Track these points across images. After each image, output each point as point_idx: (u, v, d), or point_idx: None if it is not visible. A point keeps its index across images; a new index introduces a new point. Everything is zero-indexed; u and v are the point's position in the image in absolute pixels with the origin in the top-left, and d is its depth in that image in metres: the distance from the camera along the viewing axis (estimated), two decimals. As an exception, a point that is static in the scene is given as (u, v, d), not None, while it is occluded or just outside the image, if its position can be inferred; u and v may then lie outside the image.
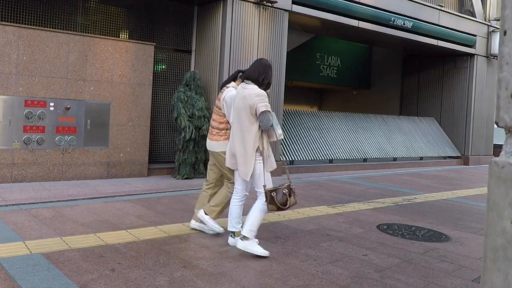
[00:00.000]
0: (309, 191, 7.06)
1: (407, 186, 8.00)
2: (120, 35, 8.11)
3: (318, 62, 13.77)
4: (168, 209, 5.35)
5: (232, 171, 4.10)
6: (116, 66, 7.35)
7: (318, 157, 10.17)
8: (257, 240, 3.80)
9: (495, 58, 12.86)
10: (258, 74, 3.90)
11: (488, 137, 13.50)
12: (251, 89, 3.80)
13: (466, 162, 12.92)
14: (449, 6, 12.89)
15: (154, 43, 7.82)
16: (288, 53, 9.07)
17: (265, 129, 3.77)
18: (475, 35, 12.88)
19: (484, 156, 13.33)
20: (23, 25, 6.66)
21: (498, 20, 13.21)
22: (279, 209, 3.71)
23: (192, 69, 8.67)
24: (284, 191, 3.72)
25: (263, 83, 3.89)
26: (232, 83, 4.25)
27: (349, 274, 3.44)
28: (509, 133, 1.00)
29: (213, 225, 4.24)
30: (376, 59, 15.36)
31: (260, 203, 3.79)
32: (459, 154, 13.06)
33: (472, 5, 13.23)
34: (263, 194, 3.74)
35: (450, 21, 12.16)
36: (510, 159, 0.97)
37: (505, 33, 1.00)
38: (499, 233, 0.96)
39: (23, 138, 6.62)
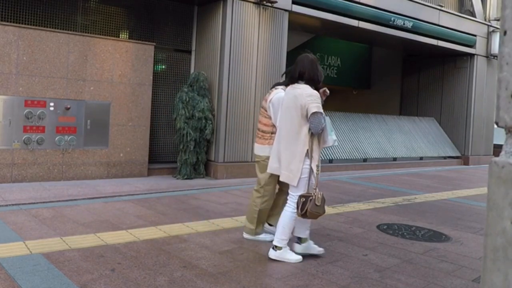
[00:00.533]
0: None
1: (407, 186, 8.00)
2: (120, 35, 8.12)
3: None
4: (168, 209, 5.35)
5: (273, 179, 3.90)
6: (116, 66, 7.35)
7: (318, 157, 10.15)
8: (288, 247, 3.67)
9: (495, 58, 12.86)
10: (308, 72, 3.65)
11: (488, 137, 13.50)
12: (303, 89, 3.57)
13: (466, 162, 12.92)
14: (449, 6, 12.89)
15: (154, 43, 7.82)
16: (288, 53, 9.07)
17: (315, 132, 3.50)
18: (475, 35, 12.88)
19: (484, 156, 13.33)
20: (23, 25, 6.66)
21: (498, 20, 13.21)
22: (303, 216, 3.51)
23: (192, 69, 8.67)
24: (311, 199, 3.50)
25: (315, 80, 3.65)
26: (282, 85, 4.00)
27: (349, 274, 3.44)
28: (509, 133, 1.00)
29: (267, 234, 4.10)
30: (376, 59, 15.36)
31: (289, 210, 3.61)
32: (459, 154, 13.06)
33: (472, 5, 13.23)
34: (294, 200, 3.58)
35: (450, 21, 12.16)
36: (510, 159, 0.97)
37: (505, 33, 1.00)
38: (499, 233, 0.96)
39: (23, 138, 6.62)
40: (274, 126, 3.90)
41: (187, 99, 7.76)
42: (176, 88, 8.37)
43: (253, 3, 8.31)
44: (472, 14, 13.15)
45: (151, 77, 7.74)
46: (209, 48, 8.39)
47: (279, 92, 3.91)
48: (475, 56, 12.93)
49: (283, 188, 4.08)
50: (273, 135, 3.88)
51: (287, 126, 3.62)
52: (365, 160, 11.06)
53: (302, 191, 3.57)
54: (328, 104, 14.59)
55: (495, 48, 13.02)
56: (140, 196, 6.05)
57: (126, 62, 7.45)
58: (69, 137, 6.98)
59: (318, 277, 3.36)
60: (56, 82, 6.84)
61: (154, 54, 7.79)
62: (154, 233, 4.27)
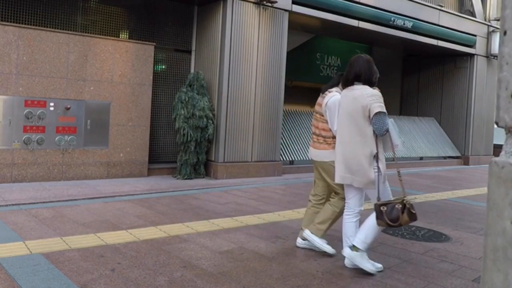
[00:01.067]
0: (309, 191, 7.03)
1: (407, 186, 7.97)
2: (120, 35, 8.11)
3: (318, 62, 13.76)
4: (168, 209, 5.35)
5: (342, 185, 3.70)
6: (116, 66, 7.35)
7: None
8: (366, 254, 3.48)
9: (495, 58, 12.86)
10: (365, 72, 3.47)
11: (488, 137, 13.50)
12: (362, 89, 3.42)
13: (466, 162, 12.92)
14: (449, 6, 12.89)
15: (154, 43, 7.82)
16: (288, 53, 9.06)
17: (379, 133, 3.35)
18: (475, 35, 12.88)
19: (484, 156, 13.32)
20: (23, 25, 6.66)
21: (498, 20, 13.21)
22: (388, 225, 3.29)
23: (192, 69, 8.67)
24: (397, 206, 3.27)
25: (372, 81, 3.49)
26: (335, 88, 3.87)
27: (349, 274, 3.44)
28: (509, 133, 1.00)
29: (322, 246, 3.81)
30: (376, 59, 15.33)
31: (373, 217, 3.40)
32: (459, 154, 13.06)
33: (472, 5, 13.23)
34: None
35: (450, 21, 12.16)
36: (510, 159, 0.97)
37: (505, 33, 1.00)
38: (499, 233, 0.96)
39: (23, 138, 6.62)
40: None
41: (186, 99, 7.76)
42: (176, 88, 8.37)
43: (253, 3, 8.31)
44: (472, 14, 13.15)
45: (151, 77, 7.74)
46: (209, 48, 8.39)
47: (334, 95, 3.74)
48: (475, 56, 12.92)
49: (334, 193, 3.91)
50: (334, 139, 3.70)
51: (350, 130, 3.44)
52: (365, 160, 11.04)
53: (374, 197, 3.41)
54: (328, 104, 14.11)
55: (495, 48, 13.01)
56: (140, 196, 6.05)
57: (126, 62, 7.45)
58: (69, 137, 6.98)
59: (318, 277, 3.36)
60: (56, 82, 6.84)
61: (154, 54, 7.79)
62: (154, 233, 4.27)
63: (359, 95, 3.39)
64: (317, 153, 3.88)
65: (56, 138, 6.87)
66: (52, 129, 6.84)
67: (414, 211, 3.28)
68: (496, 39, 13.02)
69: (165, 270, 3.34)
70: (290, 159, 9.59)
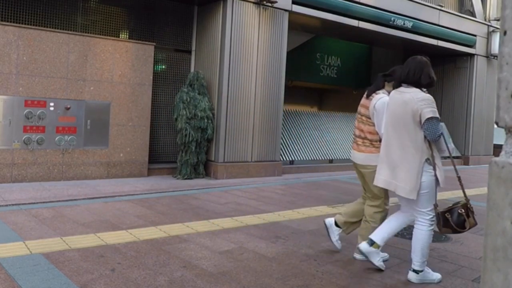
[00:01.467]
0: (309, 191, 7.06)
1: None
2: (120, 35, 8.11)
3: (318, 62, 13.76)
4: (168, 209, 5.35)
5: (383, 190, 3.61)
6: (116, 66, 7.35)
7: (318, 157, 10.17)
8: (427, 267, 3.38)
9: (495, 58, 12.86)
10: (414, 74, 3.30)
11: (488, 137, 13.49)
12: (413, 93, 3.25)
13: (466, 162, 12.91)
14: (449, 6, 12.89)
15: (154, 43, 7.82)
16: (288, 53, 9.06)
17: (431, 139, 3.20)
18: (475, 35, 12.88)
19: (484, 156, 13.32)
20: (23, 25, 6.66)
21: (498, 20, 13.21)
22: (455, 231, 3.20)
23: (192, 69, 8.67)
24: (460, 211, 3.20)
25: (422, 83, 3.31)
26: (382, 90, 3.77)
27: (349, 274, 3.44)
28: (509, 133, 1.00)
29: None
30: (376, 59, 15.36)
31: (424, 228, 3.28)
32: (459, 154, 13.05)
33: (472, 5, 13.22)
34: (427, 216, 3.29)
35: (450, 21, 12.16)
36: (510, 159, 0.97)
37: (505, 33, 1.00)
38: (499, 233, 0.96)
39: (23, 138, 6.62)
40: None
41: (188, 99, 7.76)
42: (176, 88, 8.37)
43: (253, 3, 8.31)
44: (472, 14, 13.14)
45: (151, 77, 7.74)
46: (209, 48, 8.39)
47: (382, 97, 3.63)
48: (475, 56, 12.92)
49: (368, 195, 3.82)
50: (381, 143, 3.57)
51: (398, 135, 3.30)
52: (365, 160, 11.04)
53: (431, 205, 3.28)
54: (328, 104, 14.59)
55: (495, 48, 13.01)
56: (140, 196, 6.05)
57: (126, 62, 7.45)
58: (69, 137, 6.98)
59: (318, 277, 3.36)
60: (56, 82, 6.84)
61: (154, 54, 7.79)
62: (154, 233, 4.27)
63: (409, 98, 3.24)
64: (361, 156, 3.74)
65: (56, 138, 6.87)
66: (52, 129, 6.84)
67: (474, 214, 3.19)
68: (496, 39, 13.02)
69: (165, 270, 3.34)
70: (290, 159, 9.59)
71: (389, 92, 3.66)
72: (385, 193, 3.73)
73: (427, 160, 3.21)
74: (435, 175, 3.25)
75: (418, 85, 3.30)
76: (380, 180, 3.43)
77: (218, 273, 3.32)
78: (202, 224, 4.70)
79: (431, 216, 3.30)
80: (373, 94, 3.74)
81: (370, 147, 3.68)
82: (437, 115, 3.20)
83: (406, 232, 4.75)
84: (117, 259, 3.51)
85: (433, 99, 3.25)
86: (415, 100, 3.21)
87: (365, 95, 3.85)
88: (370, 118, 3.68)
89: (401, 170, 3.27)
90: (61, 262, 3.38)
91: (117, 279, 3.11)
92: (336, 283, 3.25)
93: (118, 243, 3.91)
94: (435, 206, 3.25)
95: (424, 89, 3.33)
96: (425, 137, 3.20)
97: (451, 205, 3.30)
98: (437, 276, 3.37)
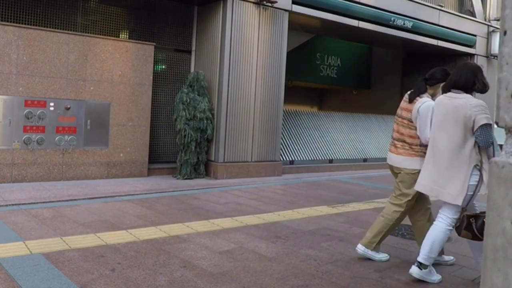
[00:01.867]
0: (309, 191, 7.06)
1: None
2: (120, 35, 8.11)
3: (318, 62, 13.76)
4: (168, 209, 5.35)
5: (418, 195, 3.58)
6: (116, 66, 7.35)
7: (318, 157, 10.17)
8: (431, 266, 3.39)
9: (495, 58, 12.86)
10: (467, 80, 3.24)
11: (488, 137, 13.48)
12: (466, 99, 3.18)
13: (466, 162, 12.89)
14: (449, 6, 12.89)
15: (154, 43, 7.82)
16: (288, 53, 9.06)
17: (483, 146, 3.14)
18: (475, 35, 12.88)
19: (484, 156, 13.30)
20: (23, 25, 6.66)
21: (498, 20, 13.21)
22: (474, 237, 3.13)
23: (192, 69, 8.67)
24: (485, 219, 3.22)
25: (475, 89, 3.25)
26: (425, 94, 3.70)
27: (349, 274, 3.44)
28: (509, 133, 1.00)
29: (374, 257, 3.78)
30: (376, 59, 15.36)
31: (442, 226, 3.28)
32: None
33: (472, 5, 13.23)
34: (449, 217, 3.27)
35: (450, 21, 12.16)
36: (510, 159, 0.97)
37: (505, 33, 1.00)
38: (499, 233, 0.96)
39: (23, 138, 6.62)
40: (419, 137, 3.61)
41: (188, 100, 7.76)
42: (176, 88, 8.37)
43: (253, 3, 8.31)
44: (472, 14, 13.14)
45: (151, 77, 7.74)
46: (209, 48, 8.39)
47: (427, 101, 3.58)
48: (475, 56, 12.92)
49: (421, 205, 3.78)
50: (421, 147, 3.57)
51: (447, 140, 3.23)
52: (365, 160, 11.05)
53: (460, 208, 3.25)
54: (328, 104, 14.58)
55: (495, 48, 13.01)
56: (140, 196, 6.05)
57: (126, 62, 7.45)
58: (69, 137, 6.98)
59: (318, 277, 3.36)
60: (56, 82, 6.84)
61: (154, 54, 7.79)
62: (154, 233, 4.27)
63: (461, 104, 3.17)
64: (400, 159, 3.71)
65: (56, 138, 6.87)
66: (52, 129, 6.85)
67: None
68: (496, 39, 13.02)
69: (165, 270, 3.34)
70: (290, 159, 9.59)
71: (431, 96, 3.68)
72: (421, 197, 3.70)
73: (476, 166, 3.17)
74: (479, 181, 3.18)
75: (469, 90, 3.26)
76: (421, 185, 3.41)
77: (218, 273, 3.32)
78: (202, 224, 4.70)
79: (455, 217, 3.29)
80: (417, 98, 3.70)
81: (409, 151, 3.67)
82: (491, 122, 3.11)
83: (406, 232, 4.75)
84: (117, 259, 3.51)
85: (486, 106, 3.18)
86: (468, 106, 3.14)
87: (405, 99, 3.84)
88: (412, 122, 3.66)
89: (447, 176, 3.23)
90: (61, 262, 3.38)
91: (117, 279, 3.11)
92: (336, 283, 3.25)
93: (118, 243, 3.91)
94: (463, 209, 3.23)
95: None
96: (475, 143, 3.16)
97: (478, 211, 3.26)
98: (437, 277, 3.38)
